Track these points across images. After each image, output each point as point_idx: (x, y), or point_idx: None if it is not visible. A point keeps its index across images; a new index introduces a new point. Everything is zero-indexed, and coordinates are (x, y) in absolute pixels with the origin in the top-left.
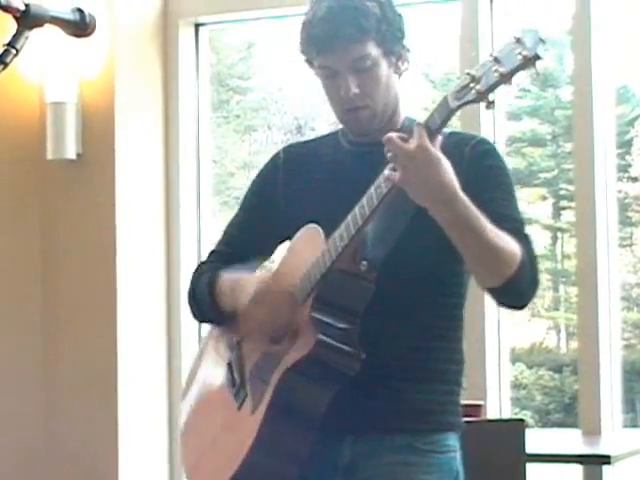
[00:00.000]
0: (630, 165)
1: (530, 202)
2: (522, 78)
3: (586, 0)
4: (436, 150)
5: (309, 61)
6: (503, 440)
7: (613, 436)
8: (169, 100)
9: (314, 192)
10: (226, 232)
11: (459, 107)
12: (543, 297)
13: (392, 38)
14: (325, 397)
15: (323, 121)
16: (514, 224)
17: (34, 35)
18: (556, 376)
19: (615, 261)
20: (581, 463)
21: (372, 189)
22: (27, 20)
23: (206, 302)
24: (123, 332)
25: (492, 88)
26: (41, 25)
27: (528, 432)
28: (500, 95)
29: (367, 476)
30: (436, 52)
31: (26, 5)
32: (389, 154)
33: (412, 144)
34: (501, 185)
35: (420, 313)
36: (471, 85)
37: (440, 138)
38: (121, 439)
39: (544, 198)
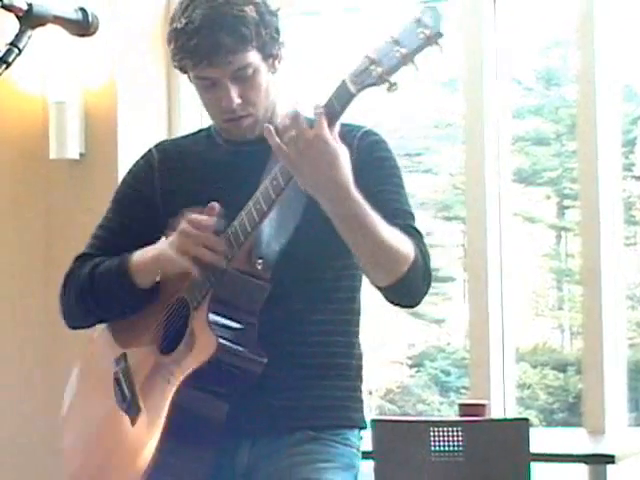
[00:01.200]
0: (634, 164)
1: (534, 201)
2: (524, 76)
3: None
4: (334, 142)
5: (182, 69)
6: (507, 439)
7: (618, 435)
8: (172, 99)
9: (193, 192)
10: (96, 235)
11: (359, 91)
12: (547, 296)
13: (271, 41)
14: (225, 403)
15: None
16: (406, 219)
17: (37, 34)
18: (560, 375)
19: (620, 260)
20: (586, 462)
21: (267, 182)
22: (30, 19)
23: (115, 286)
24: None
25: (394, 70)
26: (44, 24)
27: (532, 431)
28: (506, 94)
29: (266, 475)
30: (438, 54)
31: (29, 4)
32: (291, 132)
33: (312, 132)
34: (392, 177)
35: (314, 308)
36: (371, 68)
37: (338, 125)
38: None
39: (548, 197)
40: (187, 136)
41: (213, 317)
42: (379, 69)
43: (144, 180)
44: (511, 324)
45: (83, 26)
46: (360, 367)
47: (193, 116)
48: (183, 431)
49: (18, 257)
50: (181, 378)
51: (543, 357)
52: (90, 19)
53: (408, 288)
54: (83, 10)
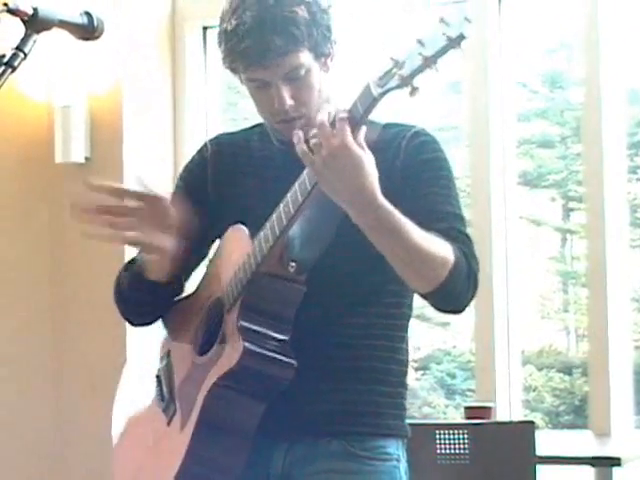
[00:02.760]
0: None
1: (539, 204)
2: (529, 79)
3: (595, 1)
4: (359, 149)
5: (233, 70)
6: (513, 442)
7: (624, 438)
8: (177, 102)
9: (244, 187)
10: None
11: (382, 95)
12: (553, 299)
13: (322, 39)
14: (257, 410)
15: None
16: (450, 222)
17: (42, 39)
18: (566, 378)
19: (625, 263)
20: (592, 465)
21: (296, 186)
22: (35, 24)
23: (132, 281)
24: (132, 334)
25: (416, 73)
26: (49, 29)
27: (538, 434)
28: (511, 97)
29: None
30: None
31: (34, 9)
32: (313, 140)
33: (335, 140)
34: (439, 179)
35: (354, 312)
36: (394, 70)
37: (364, 129)
38: None
39: (553, 200)
40: (242, 131)
41: (242, 322)
42: (401, 72)
43: (197, 173)
44: (517, 327)
45: (88, 30)
46: (403, 373)
47: (199, 120)
48: (215, 432)
49: (23, 260)
50: (212, 381)
51: (549, 360)
52: (95, 23)
53: (450, 294)
54: (88, 14)
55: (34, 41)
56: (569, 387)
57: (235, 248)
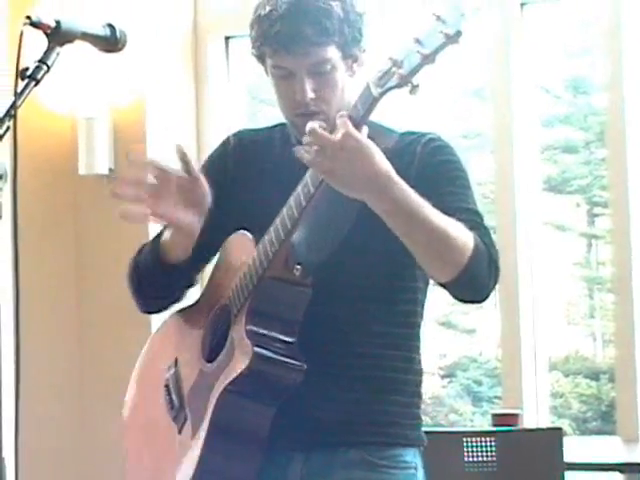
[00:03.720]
0: None
1: (564, 209)
2: (553, 84)
3: (618, 5)
4: (363, 137)
5: (260, 57)
6: (541, 449)
7: None
8: (200, 113)
9: (263, 183)
10: None
11: (382, 94)
12: (579, 305)
13: (352, 40)
14: (268, 414)
15: None
16: (469, 215)
17: (65, 51)
18: (593, 384)
19: None
20: (620, 471)
21: (299, 188)
22: (58, 36)
23: (150, 263)
24: None
25: (415, 71)
26: (72, 41)
27: (566, 440)
28: (534, 103)
29: None
30: (468, 61)
31: (57, 21)
32: (314, 147)
33: (338, 134)
34: (456, 180)
35: (372, 320)
36: (393, 70)
37: (366, 129)
38: None
39: (578, 205)
40: (265, 128)
41: (250, 326)
42: (400, 71)
43: (218, 165)
44: (543, 333)
45: (111, 42)
46: (419, 383)
47: (221, 131)
48: (227, 439)
49: (49, 272)
50: (221, 387)
51: (575, 366)
52: (118, 35)
53: (471, 280)
54: (111, 26)
55: (57, 54)
56: (596, 393)
57: (239, 255)
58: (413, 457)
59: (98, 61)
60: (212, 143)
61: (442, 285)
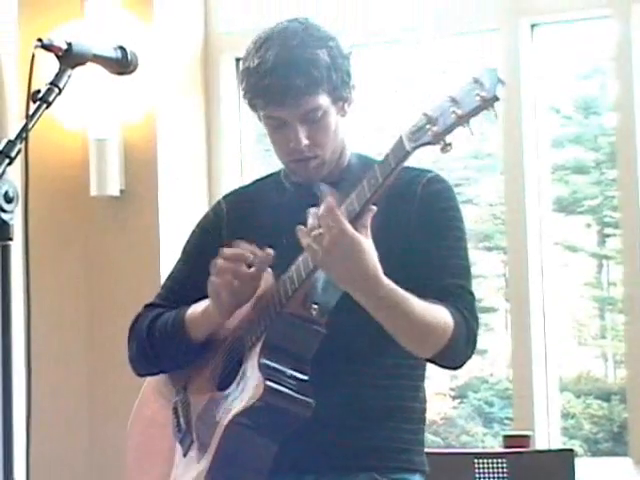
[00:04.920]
0: None
1: (575, 230)
2: (563, 105)
3: (628, 26)
4: (358, 235)
5: (252, 107)
6: (553, 470)
7: None
8: (211, 134)
9: (261, 239)
10: (165, 285)
11: (415, 149)
12: (590, 325)
13: (342, 84)
14: (272, 448)
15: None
16: (458, 279)
17: (77, 73)
18: (604, 405)
19: None
20: None
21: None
22: (69, 59)
23: (170, 340)
24: None
25: (449, 130)
26: (83, 63)
27: (577, 462)
28: (544, 123)
29: None
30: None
31: (68, 44)
32: (315, 232)
33: (333, 229)
34: (452, 230)
35: (380, 351)
36: (427, 126)
37: (374, 210)
38: None
39: (589, 226)
40: (255, 182)
41: (263, 360)
42: (435, 128)
43: (212, 232)
44: (554, 354)
45: (122, 65)
46: (424, 410)
47: (232, 151)
48: (230, 467)
49: (58, 293)
50: (230, 417)
51: (587, 386)
52: (129, 57)
53: (449, 357)
54: (122, 49)
55: (69, 76)
56: (607, 414)
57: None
58: None
59: (109, 82)
60: (223, 164)
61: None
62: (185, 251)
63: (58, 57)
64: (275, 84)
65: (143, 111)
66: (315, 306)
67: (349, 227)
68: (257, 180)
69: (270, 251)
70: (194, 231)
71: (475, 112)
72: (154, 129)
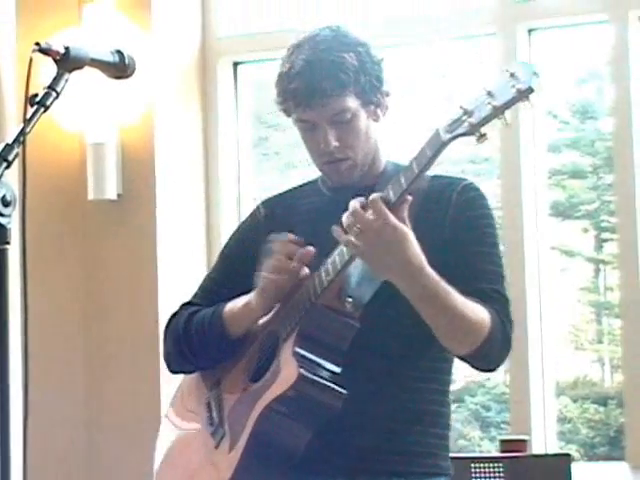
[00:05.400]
0: None
1: (571, 235)
2: (560, 110)
3: (624, 30)
4: (400, 223)
5: (286, 112)
6: (550, 475)
7: None
8: (209, 139)
9: (299, 235)
10: (202, 286)
11: (451, 140)
12: (586, 330)
13: (371, 88)
14: (305, 435)
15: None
16: (492, 283)
17: (74, 77)
18: (601, 409)
19: None
20: None
21: None
22: (67, 63)
23: (208, 335)
24: (166, 371)
25: (485, 121)
26: (81, 68)
27: (574, 466)
28: (541, 128)
29: None
30: (475, 87)
31: (66, 48)
32: (356, 227)
33: (376, 221)
34: (486, 237)
35: (414, 354)
36: (463, 118)
37: (409, 199)
38: None
39: (586, 230)
40: (295, 188)
41: (298, 349)
42: (471, 119)
43: (250, 236)
44: (551, 358)
45: (120, 69)
46: (449, 415)
47: (230, 155)
48: (262, 457)
49: (56, 296)
50: (264, 404)
51: (584, 391)
52: (127, 61)
53: (485, 357)
54: (120, 53)
55: (66, 80)
56: (604, 418)
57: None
58: None
59: (107, 86)
60: (220, 168)
61: (457, 356)
62: (223, 253)
63: (56, 61)
64: (302, 87)
65: (141, 115)
66: (349, 299)
67: (392, 217)
68: (294, 187)
69: (311, 249)
70: (233, 234)
71: (511, 103)
72: (152, 133)
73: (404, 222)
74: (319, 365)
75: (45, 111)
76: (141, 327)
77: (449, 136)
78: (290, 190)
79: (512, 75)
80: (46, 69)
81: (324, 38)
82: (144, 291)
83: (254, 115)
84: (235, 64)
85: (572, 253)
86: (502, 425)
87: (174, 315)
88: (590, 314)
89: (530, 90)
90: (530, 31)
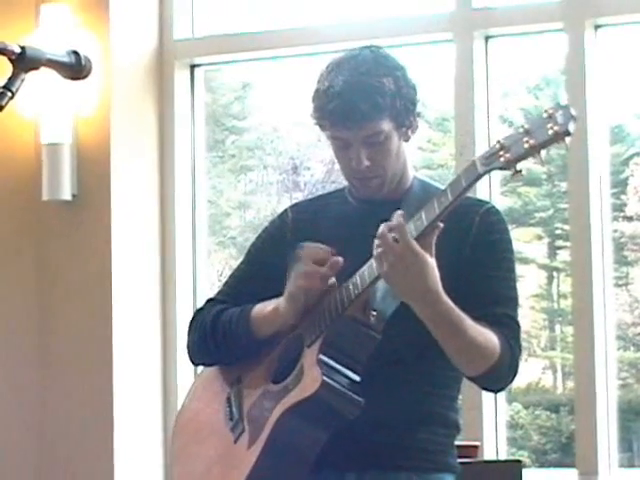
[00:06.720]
0: (625, 204)
1: (526, 241)
2: (515, 116)
3: (580, 39)
4: (422, 251)
5: (320, 127)
6: None
7: (610, 476)
8: (164, 140)
9: (323, 241)
10: (227, 283)
11: (486, 172)
12: (539, 337)
13: (405, 111)
14: (321, 439)
15: (318, 161)
16: (505, 308)
17: (30, 76)
18: (553, 416)
19: (611, 300)
20: None
21: None
22: (23, 63)
23: (235, 335)
24: (119, 373)
25: (521, 158)
26: (37, 68)
27: (525, 472)
28: (496, 134)
29: None
30: (431, 92)
31: (22, 48)
32: (379, 249)
33: (399, 247)
34: (503, 262)
35: (428, 361)
36: (500, 153)
37: (440, 227)
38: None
39: (539, 237)
40: (323, 195)
41: (322, 357)
42: (507, 155)
43: (277, 237)
44: None
45: (76, 69)
46: (457, 419)
47: (185, 158)
48: (279, 454)
49: (9, 297)
50: (286, 407)
51: (535, 397)
52: (83, 62)
53: (492, 380)
54: (76, 53)
55: (22, 80)
56: (556, 425)
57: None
58: None
59: (63, 87)
60: (176, 170)
61: (466, 377)
62: (250, 253)
63: (11, 61)
64: (340, 107)
65: (96, 116)
66: (374, 312)
67: (414, 242)
68: (322, 195)
69: (340, 259)
70: (260, 235)
71: (547, 144)
72: (107, 134)
73: (430, 248)
74: (341, 373)
75: (0, 111)
76: (94, 327)
77: (485, 169)
78: (318, 197)
79: (550, 116)
80: (2, 69)
81: (364, 60)
82: (99, 292)
83: (211, 118)
84: (192, 66)
85: (526, 260)
86: None
87: (200, 310)
88: (543, 321)
89: (567, 133)
90: (487, 38)
